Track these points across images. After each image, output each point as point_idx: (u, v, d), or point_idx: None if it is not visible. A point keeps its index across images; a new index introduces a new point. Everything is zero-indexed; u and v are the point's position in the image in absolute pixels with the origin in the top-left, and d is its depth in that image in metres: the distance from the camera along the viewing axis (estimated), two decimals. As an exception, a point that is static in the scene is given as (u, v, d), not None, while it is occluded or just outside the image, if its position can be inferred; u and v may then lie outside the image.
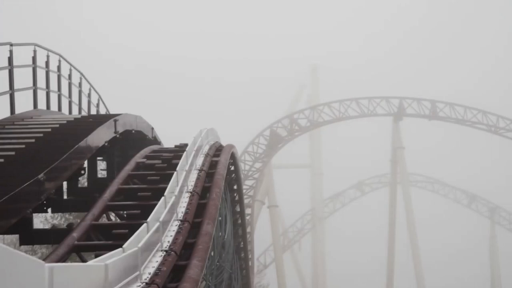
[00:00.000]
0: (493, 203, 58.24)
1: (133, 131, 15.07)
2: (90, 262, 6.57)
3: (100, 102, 19.64)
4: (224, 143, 17.01)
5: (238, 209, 19.94)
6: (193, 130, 14.77)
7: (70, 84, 16.52)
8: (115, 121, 13.47)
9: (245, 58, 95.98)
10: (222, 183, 13.23)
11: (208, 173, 13.35)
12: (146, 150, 14.42)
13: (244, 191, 29.66)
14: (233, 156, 17.09)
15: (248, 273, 22.75)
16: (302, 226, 57.45)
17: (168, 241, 9.03)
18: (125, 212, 11.75)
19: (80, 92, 17.54)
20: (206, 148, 15.00)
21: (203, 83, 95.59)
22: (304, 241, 58.29)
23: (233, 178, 18.50)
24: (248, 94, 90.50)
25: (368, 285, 65.99)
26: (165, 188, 10.29)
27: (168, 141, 18.05)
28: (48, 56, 14.69)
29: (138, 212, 10.91)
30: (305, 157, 60.68)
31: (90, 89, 18.78)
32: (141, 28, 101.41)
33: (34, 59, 13.81)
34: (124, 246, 7.06)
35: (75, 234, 9.47)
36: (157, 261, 8.06)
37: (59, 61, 15.43)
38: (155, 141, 16.92)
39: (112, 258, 6.09)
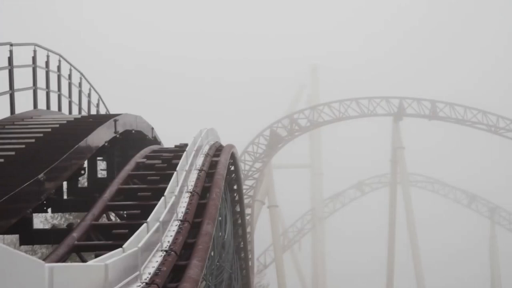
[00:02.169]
0: (493, 203, 58.24)
1: (133, 131, 15.07)
2: (90, 262, 6.57)
3: (100, 102, 19.64)
4: (224, 143, 17.01)
5: (238, 209, 19.94)
6: (193, 130, 14.78)
7: (70, 84, 16.52)
8: (115, 121, 13.47)
9: (245, 58, 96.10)
10: (222, 183, 13.23)
11: (208, 173, 13.35)
12: (146, 150, 14.42)
13: (244, 191, 29.66)
14: (233, 156, 17.09)
15: (248, 273, 22.75)
16: (302, 226, 57.45)
17: (168, 241, 9.03)
18: (125, 212, 11.75)
19: (80, 92, 17.54)
20: (206, 148, 15.00)
21: (203, 83, 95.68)
22: (304, 241, 58.33)
23: (233, 178, 18.50)
24: (248, 94, 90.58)
25: (368, 285, 65.99)
26: (165, 188, 10.29)
27: (168, 141, 18.06)
28: (48, 56, 14.68)
29: (138, 212, 10.90)
30: (305, 157, 60.69)
31: (90, 89, 18.77)
32: (141, 28, 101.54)
33: (34, 59, 13.81)
34: (124, 246, 7.06)
35: (75, 234, 9.47)
36: (157, 261, 8.06)
37: (59, 61, 15.42)
38: (155, 141, 16.92)
39: (112, 258, 6.09)
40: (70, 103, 16.57)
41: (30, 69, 13.85)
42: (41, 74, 14.25)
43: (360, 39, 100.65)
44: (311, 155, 60.01)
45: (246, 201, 32.90)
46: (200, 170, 12.98)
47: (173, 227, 9.67)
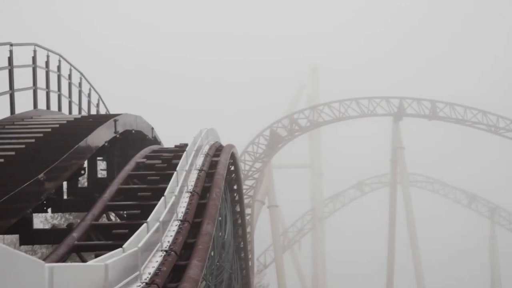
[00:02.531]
0: (493, 203, 58.24)
1: (133, 131, 15.07)
2: (90, 262, 6.57)
3: (100, 102, 19.63)
4: (224, 143, 17.01)
5: (238, 209, 19.94)
6: (193, 130, 14.78)
7: (70, 84, 16.52)
8: (115, 121, 13.47)
9: (245, 58, 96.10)
10: (222, 183, 13.23)
11: (208, 173, 13.35)
12: (146, 150, 14.42)
13: (244, 191, 29.66)
14: (233, 156, 17.09)
15: (248, 273, 22.75)
16: (302, 226, 57.45)
17: (168, 241, 9.03)
18: (125, 212, 11.75)
19: (80, 92, 17.54)
20: (206, 148, 15.00)
21: (203, 83, 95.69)
22: (304, 241, 58.33)
23: (233, 178, 18.50)
24: (248, 94, 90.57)
25: (368, 285, 65.99)
26: (165, 188, 10.29)
27: (168, 141, 18.06)
28: (48, 56, 14.68)
29: (138, 212, 10.90)
30: (305, 157, 60.69)
31: (90, 89, 18.77)
32: (141, 28, 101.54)
33: (34, 59, 13.81)
34: (124, 246, 7.05)
35: (75, 234, 9.47)
36: (157, 261, 8.06)
37: (59, 61, 15.42)
38: (155, 141, 16.92)
39: (112, 258, 6.09)
40: (70, 103, 16.57)
41: (30, 69, 13.85)
42: (41, 74, 14.25)
43: (360, 39, 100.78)
44: (311, 155, 60.01)
45: (246, 201, 32.90)
46: (200, 170, 12.98)
47: (173, 227, 9.67)
